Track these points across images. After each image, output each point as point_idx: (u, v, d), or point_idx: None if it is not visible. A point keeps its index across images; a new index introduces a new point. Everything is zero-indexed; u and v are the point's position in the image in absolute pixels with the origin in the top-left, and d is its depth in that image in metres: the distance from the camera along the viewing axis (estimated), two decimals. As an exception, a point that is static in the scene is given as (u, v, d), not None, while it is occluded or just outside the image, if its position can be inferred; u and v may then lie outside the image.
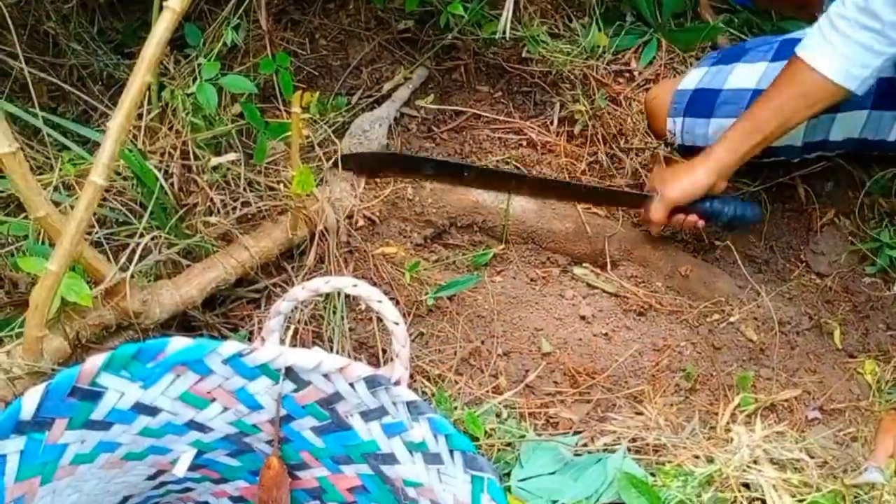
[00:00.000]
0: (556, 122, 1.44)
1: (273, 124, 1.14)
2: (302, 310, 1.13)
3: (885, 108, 1.23)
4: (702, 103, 1.31)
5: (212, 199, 1.12)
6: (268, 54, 1.19)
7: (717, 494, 1.01)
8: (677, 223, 1.27)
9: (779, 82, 1.16)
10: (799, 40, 1.28)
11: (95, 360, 0.72)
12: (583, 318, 1.27)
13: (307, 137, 1.22)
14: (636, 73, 1.50)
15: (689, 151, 1.36)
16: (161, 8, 0.77)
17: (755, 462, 1.07)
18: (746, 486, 1.04)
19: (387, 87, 1.41)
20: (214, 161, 1.12)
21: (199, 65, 1.08)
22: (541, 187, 1.33)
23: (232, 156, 1.13)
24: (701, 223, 1.27)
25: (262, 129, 1.12)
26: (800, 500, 1.00)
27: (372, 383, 0.77)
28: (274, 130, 1.13)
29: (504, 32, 1.32)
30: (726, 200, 1.28)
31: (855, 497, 1.05)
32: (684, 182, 1.22)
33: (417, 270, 1.19)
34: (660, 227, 1.29)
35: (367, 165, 1.25)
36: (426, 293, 1.21)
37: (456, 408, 1.10)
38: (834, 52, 1.11)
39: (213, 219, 1.11)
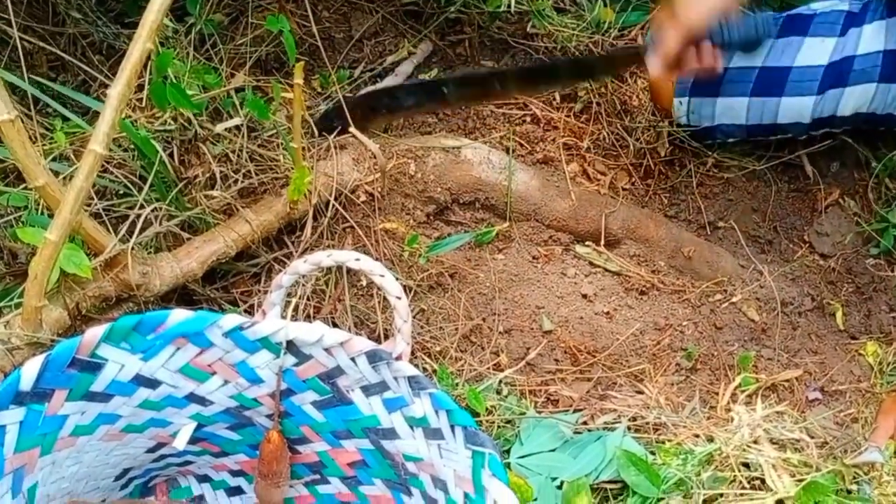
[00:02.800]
0: (560, 98, 1.43)
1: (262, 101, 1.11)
2: (303, 285, 1.13)
3: (892, 81, 1.22)
4: (708, 82, 1.29)
5: (213, 172, 1.11)
6: (274, 12, 1.17)
7: (716, 473, 1.01)
8: (691, 60, 1.16)
9: None
10: (802, 16, 1.26)
11: (95, 332, 0.72)
12: (584, 296, 1.27)
13: (308, 108, 1.20)
14: (642, 50, 1.48)
15: (695, 130, 1.35)
16: (162, -26, 0.75)
17: (755, 442, 1.07)
18: (746, 465, 1.04)
19: (390, 60, 1.40)
20: (220, 127, 1.11)
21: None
22: (528, 78, 1.27)
23: (237, 120, 1.12)
24: (719, 65, 1.17)
25: (265, 116, 1.10)
26: (799, 480, 1.00)
27: (373, 358, 0.77)
28: (261, 110, 1.10)
29: (509, 6, 1.31)
30: (733, 23, 1.16)
31: (854, 477, 1.05)
32: (703, 2, 1.11)
33: (417, 244, 1.18)
34: (670, 64, 1.15)
35: (340, 120, 1.19)
36: (427, 270, 1.20)
37: (457, 384, 1.10)
38: None
39: (214, 191, 1.10)
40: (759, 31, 1.18)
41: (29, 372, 0.70)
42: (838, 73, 1.23)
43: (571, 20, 1.45)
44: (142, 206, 1.03)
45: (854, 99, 1.25)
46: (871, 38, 1.22)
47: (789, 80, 1.25)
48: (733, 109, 1.29)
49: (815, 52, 1.23)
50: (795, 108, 1.27)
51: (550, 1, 1.43)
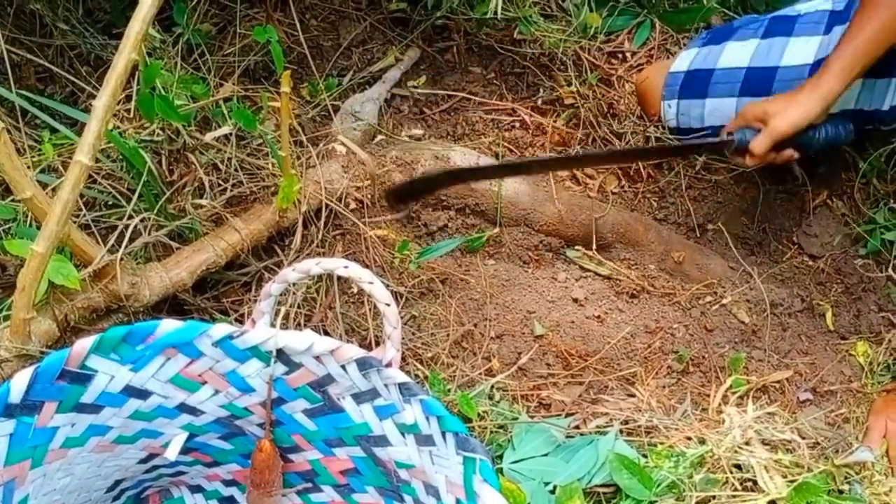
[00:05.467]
0: (548, 103, 1.43)
1: (248, 113, 1.11)
2: (294, 293, 1.13)
3: (877, 77, 1.23)
4: (696, 84, 1.30)
5: (202, 181, 1.10)
6: (261, 23, 1.17)
7: (708, 475, 1.02)
8: (770, 158, 1.22)
9: (872, 5, 1.13)
10: (787, 17, 1.28)
11: (85, 343, 0.72)
12: (575, 300, 1.27)
13: (297, 116, 1.21)
14: (629, 55, 1.49)
15: (685, 133, 1.36)
16: (147, -15, 0.75)
17: (747, 443, 1.07)
18: (738, 466, 1.04)
19: (377, 67, 1.40)
20: (209, 136, 1.11)
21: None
22: (595, 162, 1.35)
23: (226, 129, 1.11)
24: (795, 154, 1.22)
25: (252, 127, 1.09)
26: (791, 481, 1.01)
27: (363, 365, 0.77)
28: (247, 120, 1.09)
29: (496, 13, 1.31)
30: (817, 126, 1.21)
31: (846, 477, 1.05)
32: (795, 114, 1.16)
33: (408, 251, 1.18)
34: (760, 163, 1.22)
35: (405, 197, 1.22)
36: (418, 276, 1.20)
37: (449, 390, 1.10)
38: None
39: (203, 201, 1.09)
40: (842, 135, 1.23)
41: (18, 384, 0.69)
42: None
43: (558, 26, 1.45)
44: (130, 217, 1.03)
45: (841, 96, 1.25)
46: None
47: (776, 79, 1.26)
48: (722, 110, 1.30)
49: (801, 51, 1.24)
50: None
51: (537, 7, 1.44)
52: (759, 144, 1.18)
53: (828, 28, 1.24)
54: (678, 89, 1.31)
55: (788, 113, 1.16)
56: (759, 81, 1.26)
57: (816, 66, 1.23)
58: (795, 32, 1.25)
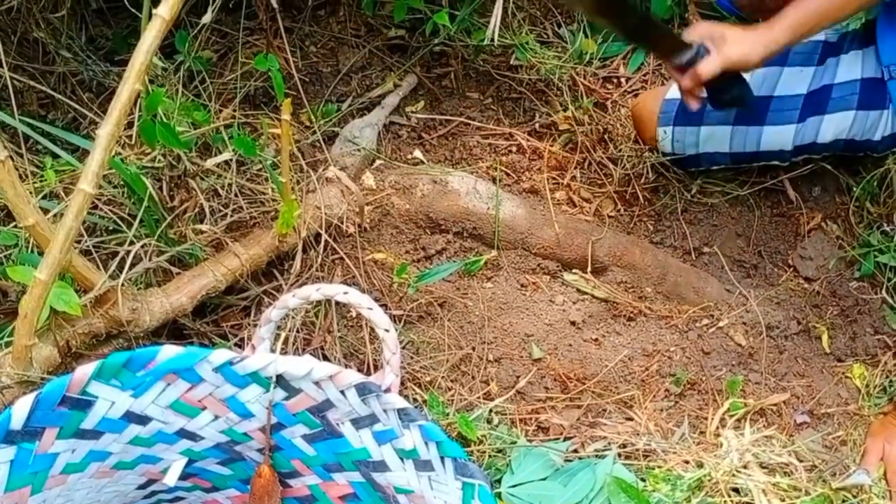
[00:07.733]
0: (544, 128, 1.45)
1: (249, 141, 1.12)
2: (293, 317, 1.13)
3: (870, 108, 1.24)
4: (691, 112, 1.31)
5: (202, 206, 1.11)
6: (262, 50, 1.19)
7: (706, 499, 1.02)
8: (694, 84, 1.18)
9: None
10: None
11: (86, 369, 0.72)
12: (573, 323, 1.28)
13: (297, 142, 1.22)
14: (624, 80, 1.51)
15: (680, 159, 1.37)
16: (151, 16, 0.77)
17: (744, 466, 1.07)
18: (736, 490, 1.04)
19: (376, 93, 1.42)
20: (210, 162, 1.12)
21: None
22: None
23: (226, 155, 1.13)
24: (703, 94, 1.20)
25: (252, 154, 1.11)
26: (789, 504, 1.01)
27: (363, 391, 0.77)
28: (247, 147, 1.10)
29: (493, 39, 1.33)
30: (735, 79, 1.20)
31: (843, 500, 1.06)
32: (744, 48, 1.13)
33: (406, 275, 1.19)
34: (699, 85, 1.18)
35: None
36: (416, 300, 1.21)
37: (448, 414, 1.11)
38: None
39: (203, 226, 1.10)
40: (747, 99, 1.21)
41: (19, 410, 0.70)
42: (817, 102, 1.26)
43: (555, 52, 1.47)
44: (131, 243, 1.03)
45: (834, 126, 1.27)
46: (848, 67, 1.25)
47: (770, 109, 1.27)
48: (717, 138, 1.31)
49: (795, 81, 1.26)
50: (777, 137, 1.29)
51: (533, 34, 1.46)
52: (708, 67, 1.14)
53: (821, 59, 1.25)
54: (673, 116, 1.32)
55: (742, 44, 1.13)
56: (753, 110, 1.28)
57: (810, 96, 1.25)
58: (789, 62, 1.26)
